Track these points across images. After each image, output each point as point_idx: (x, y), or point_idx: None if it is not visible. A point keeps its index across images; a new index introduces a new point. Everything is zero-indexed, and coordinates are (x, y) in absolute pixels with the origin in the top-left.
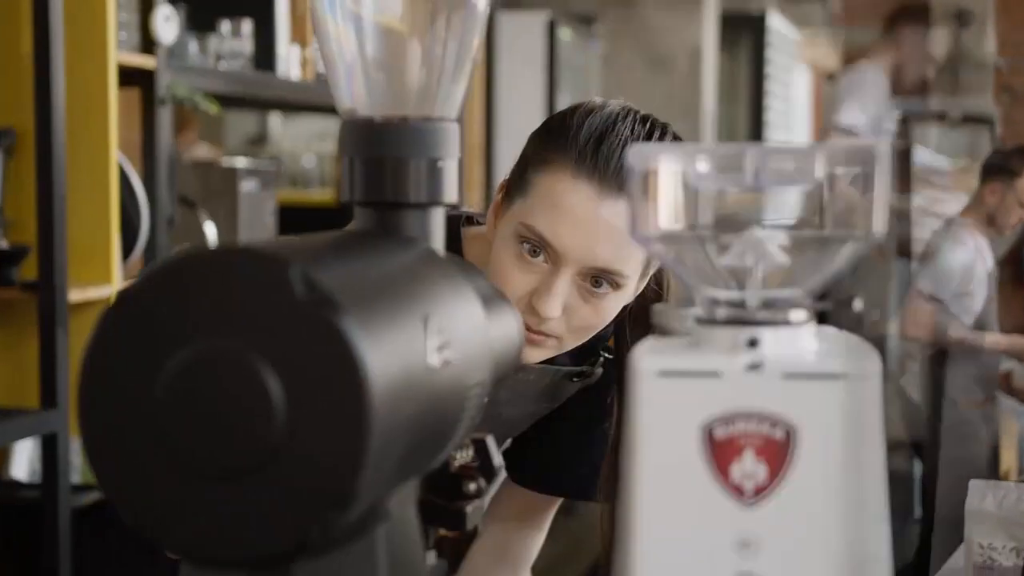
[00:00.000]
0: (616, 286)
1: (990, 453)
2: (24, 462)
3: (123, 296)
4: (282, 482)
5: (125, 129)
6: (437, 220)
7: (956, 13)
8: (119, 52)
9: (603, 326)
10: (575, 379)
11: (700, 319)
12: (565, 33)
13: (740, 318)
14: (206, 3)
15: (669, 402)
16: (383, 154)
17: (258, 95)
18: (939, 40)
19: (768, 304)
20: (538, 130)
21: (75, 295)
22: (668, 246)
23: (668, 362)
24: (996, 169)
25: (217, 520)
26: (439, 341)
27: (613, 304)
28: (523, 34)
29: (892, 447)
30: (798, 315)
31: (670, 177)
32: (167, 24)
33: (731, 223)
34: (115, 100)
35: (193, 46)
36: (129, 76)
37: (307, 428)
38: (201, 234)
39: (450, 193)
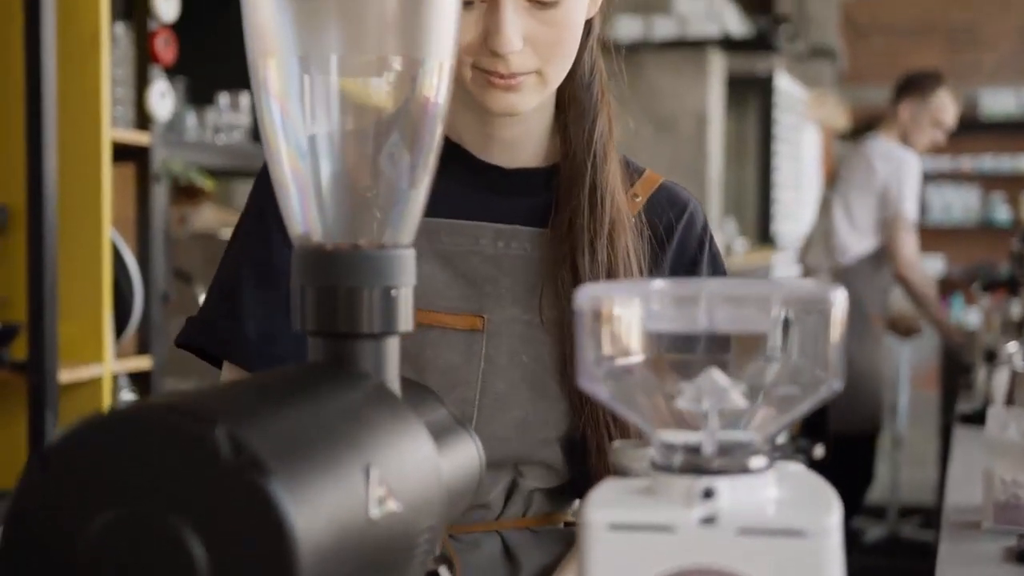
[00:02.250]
0: None
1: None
2: None
3: (46, 453)
4: None
5: (120, 204)
6: (392, 350)
7: None
8: (115, 129)
9: (575, 41)
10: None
11: (655, 464)
12: None
13: (696, 466)
14: (206, 77)
15: (620, 557)
16: (335, 283)
17: (255, 168)
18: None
19: (725, 449)
20: None
21: (66, 375)
22: (619, 387)
23: (619, 515)
24: (910, 87)
25: None
26: (383, 491)
27: (571, 13)
28: None
29: None
30: (757, 462)
31: (621, 318)
32: (163, 100)
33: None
34: (109, 177)
35: (191, 119)
36: (125, 151)
37: None
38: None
39: (405, 321)
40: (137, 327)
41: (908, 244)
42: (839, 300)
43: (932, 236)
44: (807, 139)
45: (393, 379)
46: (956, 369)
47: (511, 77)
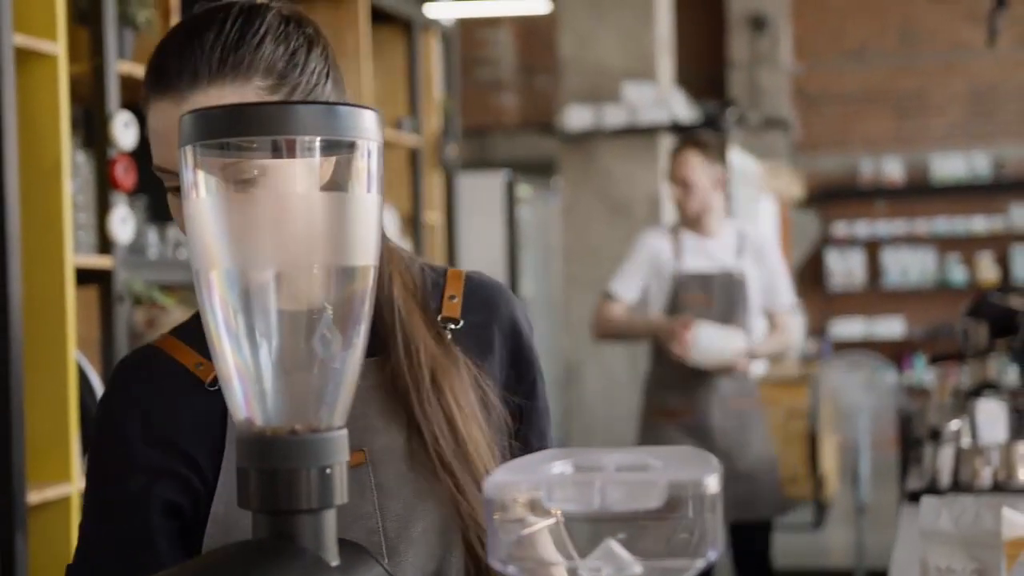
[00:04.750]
0: None
1: None
2: None
3: None
4: None
5: (84, 326)
6: (329, 521)
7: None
8: (77, 254)
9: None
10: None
11: None
12: (524, 189)
13: None
14: (166, 195)
15: None
16: (276, 466)
17: None
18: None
19: None
20: None
21: (34, 496)
22: (526, 561)
23: None
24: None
25: None
26: None
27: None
28: (483, 193)
29: None
30: None
31: (525, 501)
32: (123, 225)
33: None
34: (72, 302)
35: (153, 236)
36: (88, 275)
37: None
38: None
39: (341, 495)
40: None
41: (599, 312)
42: (712, 482)
43: (890, 299)
44: (764, 210)
45: (331, 547)
46: (911, 435)
47: None
